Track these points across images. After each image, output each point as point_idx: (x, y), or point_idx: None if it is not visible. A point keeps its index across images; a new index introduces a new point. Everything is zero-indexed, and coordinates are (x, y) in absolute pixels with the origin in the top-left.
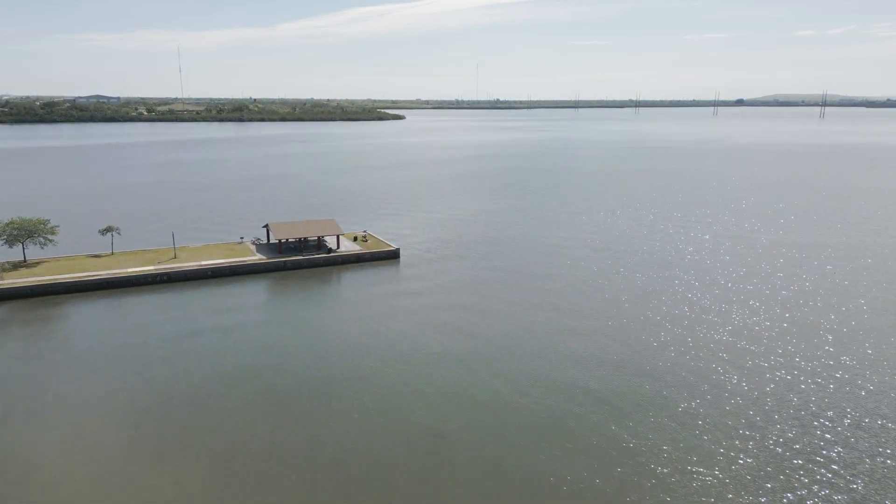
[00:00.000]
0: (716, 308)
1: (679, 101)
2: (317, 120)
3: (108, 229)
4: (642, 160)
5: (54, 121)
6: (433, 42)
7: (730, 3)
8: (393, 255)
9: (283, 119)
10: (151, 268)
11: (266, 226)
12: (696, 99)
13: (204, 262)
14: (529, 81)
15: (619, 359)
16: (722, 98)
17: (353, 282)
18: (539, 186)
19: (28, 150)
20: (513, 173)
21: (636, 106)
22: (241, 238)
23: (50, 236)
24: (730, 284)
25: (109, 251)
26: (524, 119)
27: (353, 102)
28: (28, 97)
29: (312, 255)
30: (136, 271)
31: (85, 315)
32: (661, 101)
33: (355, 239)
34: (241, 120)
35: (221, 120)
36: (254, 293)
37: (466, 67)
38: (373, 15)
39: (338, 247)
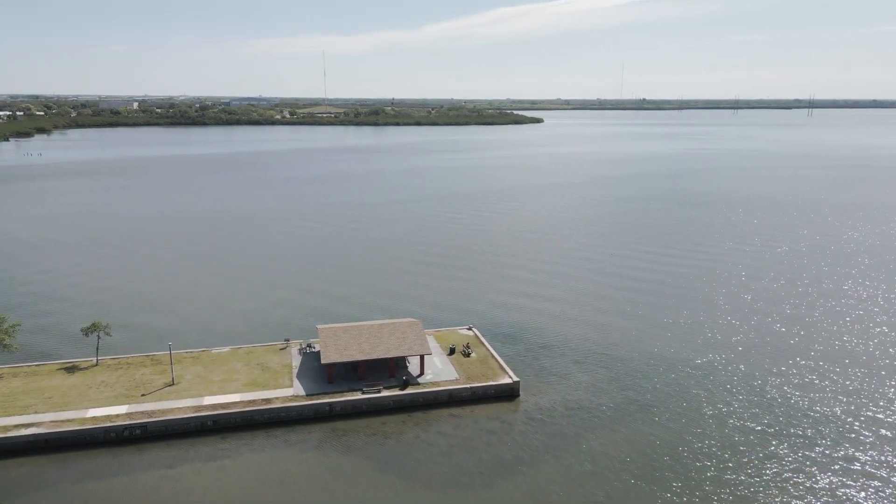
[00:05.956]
0: None
1: (858, 101)
2: (451, 124)
3: (94, 328)
4: (855, 186)
5: (205, 124)
6: (574, 40)
7: None
8: (508, 394)
9: (418, 123)
10: (124, 409)
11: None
12: (877, 99)
13: (205, 401)
14: (679, 80)
15: None
16: None
17: (433, 459)
18: (726, 230)
19: (155, 161)
20: (686, 207)
21: (809, 107)
22: (286, 340)
23: (5, 341)
24: None
25: (93, 359)
26: (677, 123)
27: (491, 103)
28: (199, 98)
29: (379, 389)
30: (94, 417)
31: None
32: (837, 102)
33: (452, 352)
34: (376, 124)
35: (358, 124)
36: (258, 479)
37: (609, 66)
38: (514, 15)
39: (421, 372)
